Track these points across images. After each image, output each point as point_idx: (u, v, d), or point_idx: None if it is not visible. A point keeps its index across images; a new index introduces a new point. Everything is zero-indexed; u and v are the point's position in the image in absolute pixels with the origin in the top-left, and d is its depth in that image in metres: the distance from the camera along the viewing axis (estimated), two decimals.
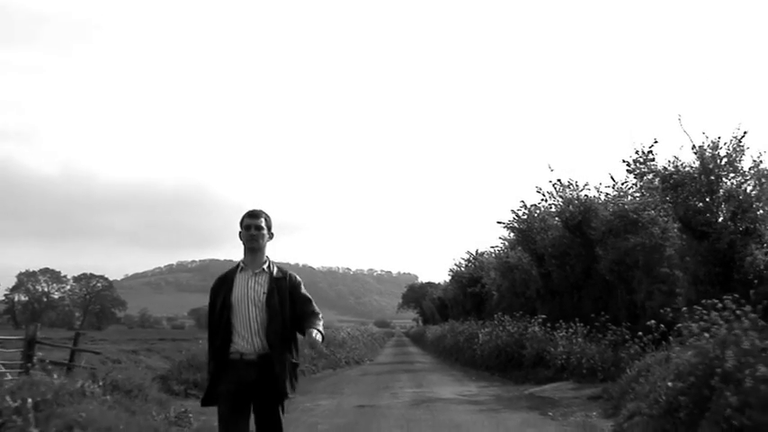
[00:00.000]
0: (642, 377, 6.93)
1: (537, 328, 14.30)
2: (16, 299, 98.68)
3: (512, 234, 20.26)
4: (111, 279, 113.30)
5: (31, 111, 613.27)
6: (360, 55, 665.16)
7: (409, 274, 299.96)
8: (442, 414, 8.37)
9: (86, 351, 12.79)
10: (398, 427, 7.38)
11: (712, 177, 10.55)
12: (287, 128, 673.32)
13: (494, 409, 8.78)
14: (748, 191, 10.44)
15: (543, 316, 14.79)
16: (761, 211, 10.50)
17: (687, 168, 10.91)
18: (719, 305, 5.50)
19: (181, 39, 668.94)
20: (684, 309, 6.77)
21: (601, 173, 33.15)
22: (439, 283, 54.46)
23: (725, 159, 10.60)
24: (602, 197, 15.83)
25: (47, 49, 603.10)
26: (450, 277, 37.17)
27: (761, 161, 10.47)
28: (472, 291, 28.65)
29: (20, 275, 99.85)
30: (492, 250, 26.43)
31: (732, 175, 10.61)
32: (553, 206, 17.16)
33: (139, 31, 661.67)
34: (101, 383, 6.95)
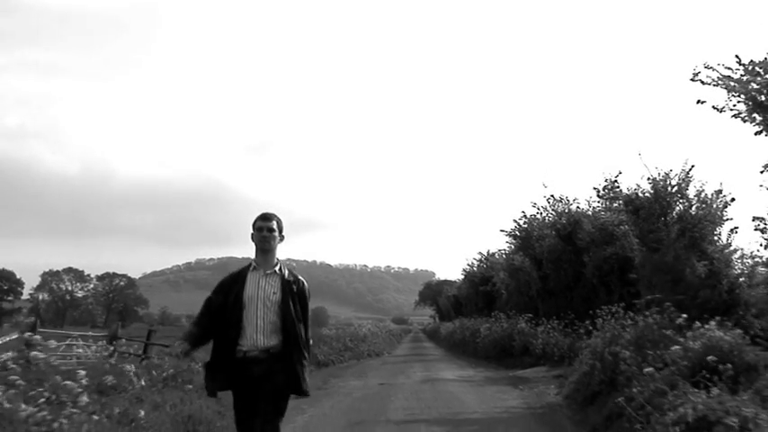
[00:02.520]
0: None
1: (524, 324, 16.96)
2: (41, 297, 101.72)
3: (514, 240, 22.81)
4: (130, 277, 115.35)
5: (51, 110, 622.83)
6: (376, 56, 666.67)
7: (426, 271, 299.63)
8: (441, 387, 11.31)
9: (157, 345, 15.45)
10: (409, 393, 10.29)
11: (664, 203, 13.07)
12: (304, 126, 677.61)
13: (480, 385, 11.70)
14: (693, 213, 12.96)
15: (530, 315, 17.39)
16: (704, 230, 13.02)
17: (646, 195, 13.44)
18: (614, 309, 8.12)
19: (199, 36, 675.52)
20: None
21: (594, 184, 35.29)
22: (454, 281, 56.33)
23: (675, 188, 13.12)
24: (591, 210, 18.35)
25: (66, 49, 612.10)
26: (463, 276, 39.43)
27: (703, 189, 13.02)
28: (484, 289, 30.33)
29: (44, 275, 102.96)
30: (501, 252, 28.71)
31: (681, 200, 13.14)
32: (547, 218, 19.71)
33: (158, 29, 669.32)
34: (200, 364, 9.62)
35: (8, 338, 10.44)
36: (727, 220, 13.06)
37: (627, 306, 12.87)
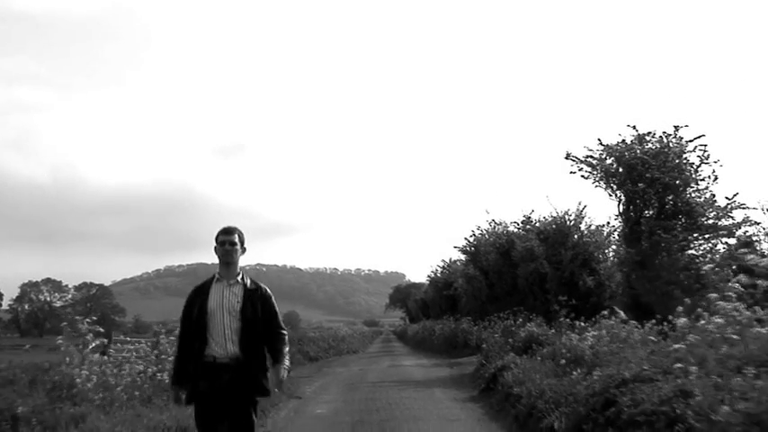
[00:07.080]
0: None
1: (465, 325, 21.80)
2: (20, 308, 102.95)
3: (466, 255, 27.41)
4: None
5: (17, 118, 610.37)
6: (347, 61, 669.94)
7: (396, 272, 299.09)
8: (401, 369, 16.55)
9: None
10: (379, 372, 15.27)
11: (564, 234, 17.89)
12: (273, 131, 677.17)
13: (428, 367, 16.99)
14: (585, 241, 17.82)
15: (469, 317, 22.18)
16: (596, 254, 17.86)
17: (551, 227, 18.27)
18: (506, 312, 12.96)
19: (167, 40, 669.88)
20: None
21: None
22: (422, 284, 60.11)
23: (572, 222, 17.97)
24: (522, 231, 23.09)
25: (30, 56, 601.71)
26: (428, 281, 43.12)
27: (592, 223, 17.88)
28: (447, 293, 33.08)
29: (23, 286, 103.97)
30: (460, 260, 32.38)
31: (576, 232, 17.98)
32: (490, 238, 24.41)
33: (125, 33, 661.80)
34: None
35: (94, 344, 13.09)
36: (613, 244, 17.98)
37: (546, 310, 17.70)
